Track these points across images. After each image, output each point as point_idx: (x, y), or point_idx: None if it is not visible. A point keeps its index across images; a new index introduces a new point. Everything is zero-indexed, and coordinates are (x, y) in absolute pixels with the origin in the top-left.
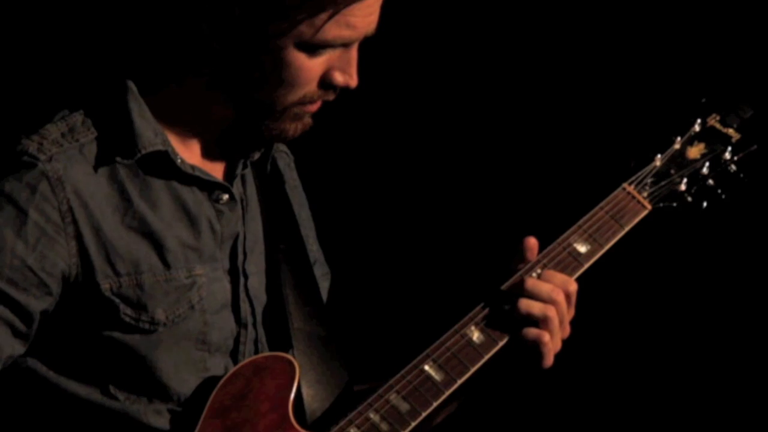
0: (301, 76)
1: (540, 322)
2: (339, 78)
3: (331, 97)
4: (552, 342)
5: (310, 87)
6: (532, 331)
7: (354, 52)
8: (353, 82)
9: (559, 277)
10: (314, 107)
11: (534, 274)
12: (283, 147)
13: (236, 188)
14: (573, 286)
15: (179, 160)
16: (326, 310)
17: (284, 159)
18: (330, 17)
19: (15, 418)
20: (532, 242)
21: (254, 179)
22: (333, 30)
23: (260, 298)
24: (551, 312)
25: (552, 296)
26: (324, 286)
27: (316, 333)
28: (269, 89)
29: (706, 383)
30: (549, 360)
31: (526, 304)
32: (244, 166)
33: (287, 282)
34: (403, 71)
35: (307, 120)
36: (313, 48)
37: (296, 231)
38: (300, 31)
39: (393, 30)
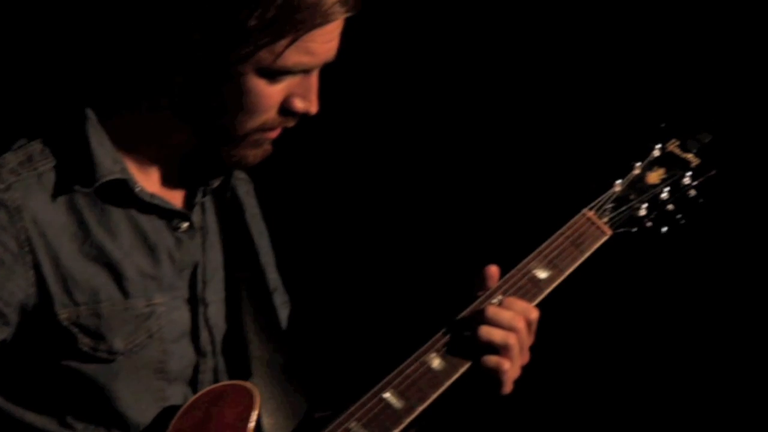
0: (261, 103)
1: (500, 349)
2: (299, 105)
3: (291, 123)
4: (512, 369)
5: (270, 114)
6: (492, 359)
7: (314, 79)
8: (314, 108)
9: (520, 304)
10: (274, 134)
11: (495, 301)
12: (242, 174)
13: (196, 216)
14: (534, 314)
15: (138, 189)
16: (286, 338)
17: (244, 187)
18: (290, 43)
19: None
20: (492, 270)
21: (214, 207)
22: (293, 56)
23: (220, 326)
24: (512, 339)
25: (513, 324)
26: (283, 314)
27: (276, 361)
28: (229, 116)
29: (702, 384)
30: (508, 387)
31: (487, 332)
32: (204, 194)
33: (247, 310)
34: (361, 97)
35: (267, 147)
36: (273, 74)
37: (256, 259)
38: (260, 57)
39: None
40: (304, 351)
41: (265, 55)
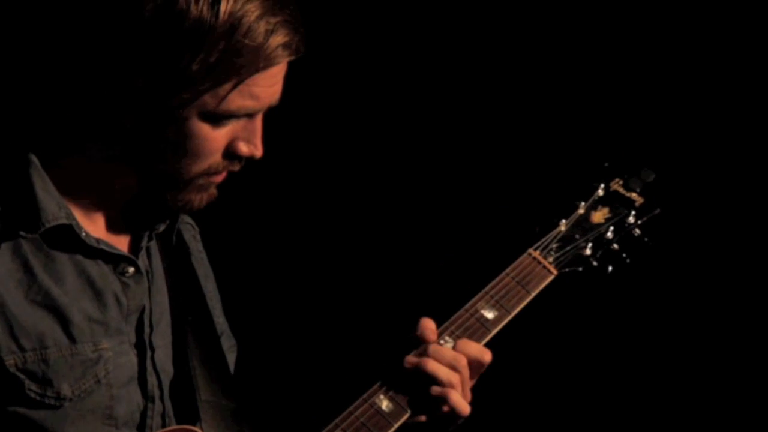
0: (205, 147)
1: (445, 385)
2: (244, 149)
3: (236, 167)
4: (459, 402)
5: (215, 158)
6: (436, 389)
7: (258, 122)
8: (258, 152)
9: (474, 347)
10: (219, 178)
11: (442, 342)
12: (188, 219)
13: (142, 261)
14: (488, 357)
15: (84, 234)
16: (234, 382)
17: (189, 231)
18: (233, 87)
19: None
20: (429, 324)
21: (159, 251)
22: (237, 100)
23: (167, 371)
24: (454, 378)
25: (455, 363)
26: (231, 358)
27: (224, 405)
28: (174, 160)
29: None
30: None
31: (433, 368)
32: (150, 238)
33: (194, 354)
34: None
35: (213, 191)
36: (217, 119)
37: (202, 303)
38: (203, 101)
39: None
40: (251, 395)
41: (208, 100)
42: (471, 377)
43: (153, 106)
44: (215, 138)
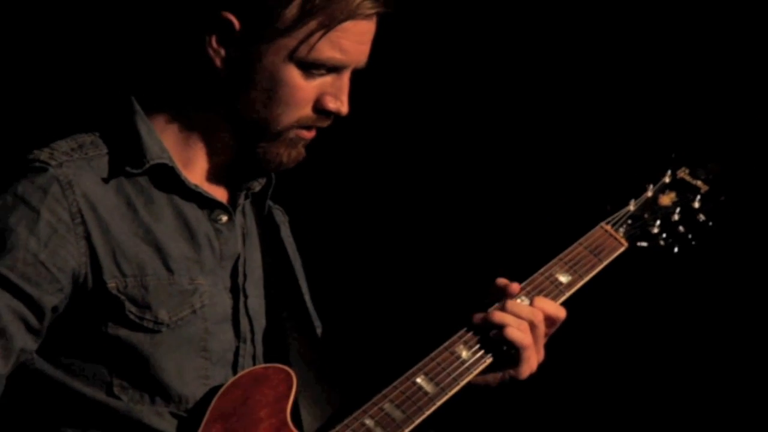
0: (296, 96)
1: (521, 340)
2: (331, 104)
3: (324, 123)
4: (532, 358)
5: (305, 110)
6: (516, 344)
7: (345, 80)
8: (344, 109)
9: (550, 304)
10: (309, 134)
11: (519, 300)
12: (277, 206)
13: (238, 216)
14: (562, 314)
15: (183, 176)
16: (321, 341)
17: (279, 216)
18: (324, 35)
19: (22, 419)
20: (505, 281)
21: (254, 216)
22: (326, 50)
23: (259, 318)
24: (529, 333)
25: (532, 317)
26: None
27: (313, 356)
28: (266, 110)
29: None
30: (525, 375)
31: (509, 320)
32: (246, 197)
33: (285, 309)
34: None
35: (301, 150)
36: (307, 67)
37: (291, 271)
38: (296, 48)
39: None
40: (339, 354)
41: (300, 47)
42: (545, 335)
43: (248, 51)
44: (305, 88)
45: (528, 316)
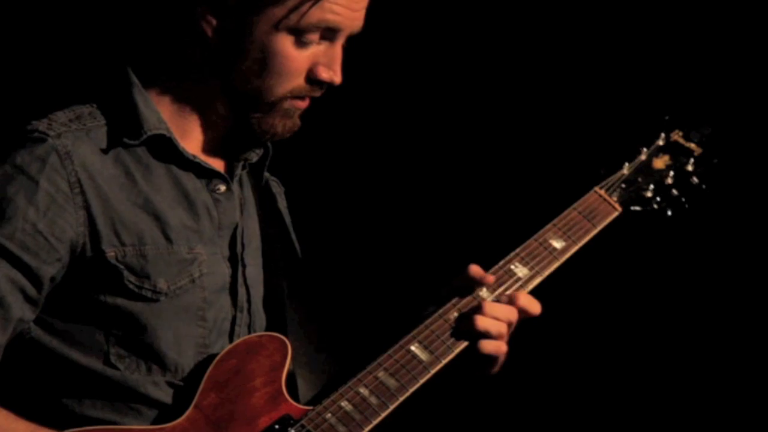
0: (288, 66)
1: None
2: (324, 74)
3: (317, 93)
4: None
5: (298, 80)
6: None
7: (338, 49)
8: (337, 78)
9: (531, 304)
10: (303, 104)
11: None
12: (273, 177)
13: (235, 186)
14: (537, 309)
15: (181, 147)
16: (319, 309)
17: (275, 187)
18: (314, 2)
19: (19, 389)
20: (476, 271)
21: (251, 186)
22: (317, 13)
23: (256, 287)
24: (504, 329)
25: (509, 317)
26: None
27: (310, 324)
28: (260, 80)
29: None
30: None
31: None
32: (243, 167)
33: (282, 278)
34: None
35: (296, 120)
36: (299, 33)
37: (290, 240)
38: (286, 16)
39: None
40: (336, 322)
41: (290, 15)
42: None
43: (240, 22)
44: (297, 58)
45: (507, 317)
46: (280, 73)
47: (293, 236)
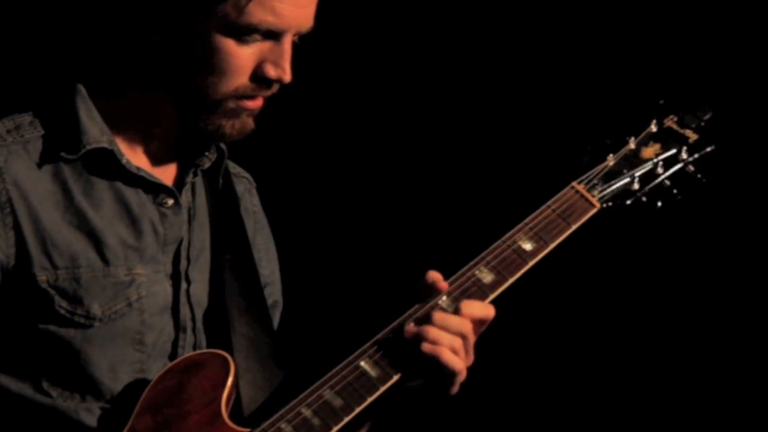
0: (231, 64)
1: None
2: (271, 71)
3: (266, 93)
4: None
5: (242, 79)
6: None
7: (286, 46)
8: (286, 76)
9: (478, 307)
10: (251, 103)
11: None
12: (245, 173)
13: (184, 196)
14: (491, 314)
15: (124, 160)
16: (269, 322)
17: (245, 184)
18: None
19: None
20: (434, 276)
21: (206, 191)
22: (257, 13)
23: (202, 304)
24: (457, 344)
25: (461, 329)
26: (274, 314)
27: (258, 340)
28: (202, 79)
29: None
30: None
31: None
32: (194, 174)
33: (231, 291)
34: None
35: (246, 120)
36: (239, 32)
37: (245, 245)
38: (225, 13)
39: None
40: (287, 336)
41: (229, 11)
42: (476, 335)
43: (183, 22)
44: (240, 56)
45: (458, 329)
46: (222, 71)
47: (261, 236)
